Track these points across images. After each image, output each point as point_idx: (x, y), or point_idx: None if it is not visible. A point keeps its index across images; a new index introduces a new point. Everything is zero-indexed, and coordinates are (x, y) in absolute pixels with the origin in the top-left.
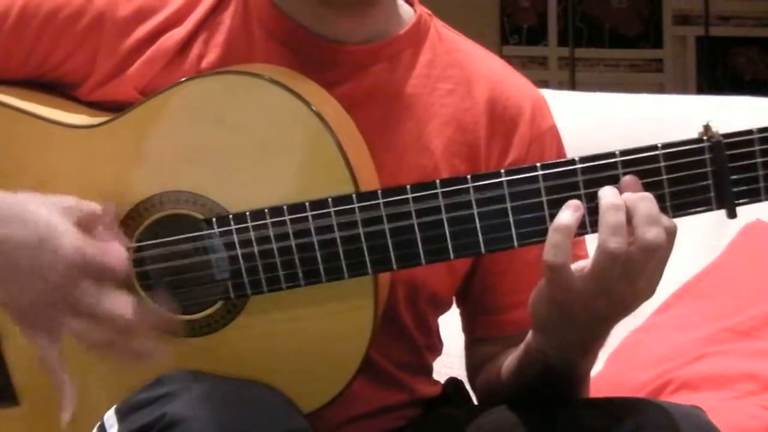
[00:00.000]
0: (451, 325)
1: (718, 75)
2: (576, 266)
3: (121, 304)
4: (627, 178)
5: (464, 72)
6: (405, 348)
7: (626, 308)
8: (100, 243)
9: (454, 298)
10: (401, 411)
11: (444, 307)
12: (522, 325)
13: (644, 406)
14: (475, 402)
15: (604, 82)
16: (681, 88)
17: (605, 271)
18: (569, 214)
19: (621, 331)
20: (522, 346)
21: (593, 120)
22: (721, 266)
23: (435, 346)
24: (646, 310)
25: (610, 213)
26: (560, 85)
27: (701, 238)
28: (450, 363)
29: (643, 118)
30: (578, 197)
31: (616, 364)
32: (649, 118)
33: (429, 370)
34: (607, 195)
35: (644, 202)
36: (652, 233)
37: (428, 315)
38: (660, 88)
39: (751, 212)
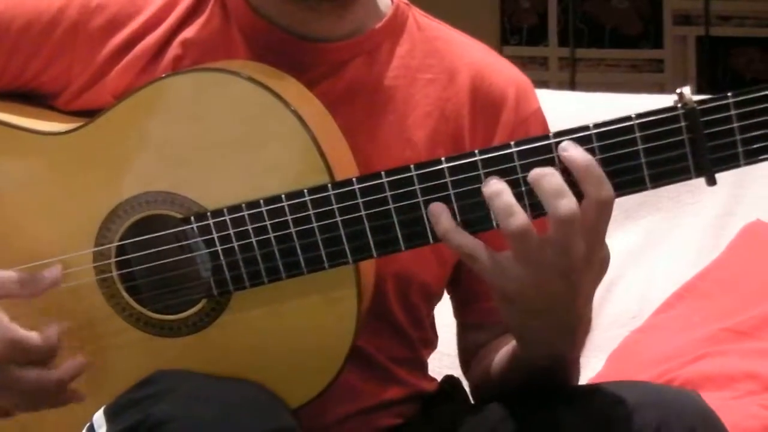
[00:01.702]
0: (447, 325)
1: (718, 75)
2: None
3: (43, 381)
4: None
5: (445, 60)
6: (399, 342)
7: (580, 280)
8: (29, 332)
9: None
10: (398, 407)
11: (435, 299)
12: None
13: (638, 388)
14: (467, 389)
15: (605, 82)
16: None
17: (564, 236)
18: (496, 180)
19: (622, 332)
20: (510, 350)
21: (593, 120)
22: (721, 266)
23: (429, 340)
24: (647, 310)
25: (547, 180)
26: (560, 86)
27: (701, 239)
28: (448, 363)
29: None
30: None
31: (616, 364)
32: None
33: (424, 366)
34: (535, 171)
35: (546, 178)
36: (562, 206)
37: (420, 307)
38: (660, 89)
39: (750, 212)
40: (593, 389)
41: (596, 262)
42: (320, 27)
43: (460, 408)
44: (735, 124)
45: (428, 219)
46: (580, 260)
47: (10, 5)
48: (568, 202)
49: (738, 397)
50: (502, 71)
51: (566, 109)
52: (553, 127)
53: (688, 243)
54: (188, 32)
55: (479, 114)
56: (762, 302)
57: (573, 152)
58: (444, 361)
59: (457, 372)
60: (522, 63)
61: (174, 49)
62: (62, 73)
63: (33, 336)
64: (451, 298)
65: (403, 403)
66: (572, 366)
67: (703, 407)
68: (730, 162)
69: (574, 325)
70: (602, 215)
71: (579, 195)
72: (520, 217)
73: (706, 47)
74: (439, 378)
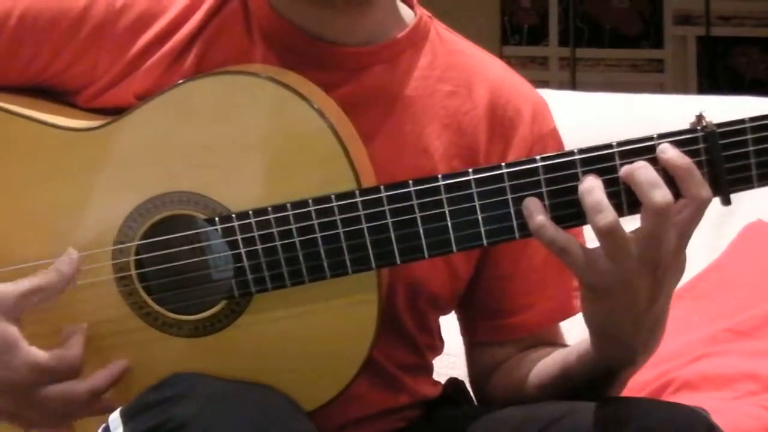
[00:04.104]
0: (451, 324)
1: (718, 75)
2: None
3: (72, 395)
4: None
5: (464, 74)
6: (406, 349)
7: (665, 275)
8: (49, 353)
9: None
10: (403, 413)
11: (445, 310)
12: (532, 327)
13: (648, 407)
14: (476, 403)
15: (605, 82)
16: (681, 88)
17: (657, 228)
18: (592, 177)
19: None
20: (572, 354)
21: (594, 120)
22: (721, 266)
23: (436, 346)
24: None
25: (642, 172)
26: (561, 86)
27: (701, 239)
28: (450, 363)
29: (643, 118)
30: (577, 188)
31: None
32: (649, 118)
33: (430, 370)
34: (628, 166)
35: (641, 170)
36: (658, 197)
37: (428, 316)
38: (660, 89)
39: (751, 212)
40: (601, 404)
41: (682, 260)
42: (338, 28)
43: (464, 412)
44: (750, 148)
45: (452, 228)
46: (669, 254)
47: (36, 0)
48: (663, 194)
49: (738, 398)
50: (519, 90)
51: (566, 109)
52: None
53: (689, 243)
54: (211, 31)
55: (496, 129)
56: (762, 302)
57: (672, 154)
58: (444, 361)
59: (458, 372)
60: (522, 63)
61: (197, 49)
62: (87, 71)
63: (55, 355)
64: (460, 317)
65: (407, 408)
66: (626, 381)
67: (712, 428)
68: (745, 184)
69: (653, 327)
70: (698, 214)
71: (675, 195)
72: (608, 214)
73: (707, 47)
74: (443, 379)
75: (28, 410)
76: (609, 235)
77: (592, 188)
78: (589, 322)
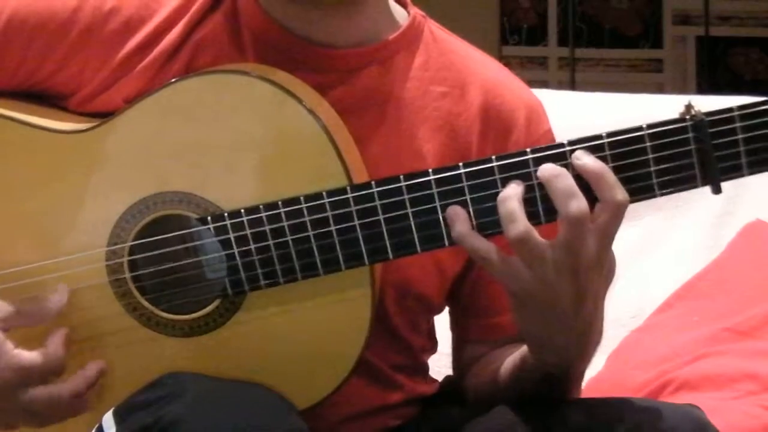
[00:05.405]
0: (447, 325)
1: (717, 75)
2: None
3: (54, 396)
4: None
5: (459, 75)
6: (398, 349)
7: (588, 280)
8: (34, 354)
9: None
10: (398, 410)
11: (435, 310)
12: (508, 329)
13: (641, 406)
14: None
15: (604, 82)
16: (681, 89)
17: (573, 236)
18: (513, 186)
19: (621, 331)
20: (518, 357)
21: (593, 120)
22: (721, 266)
23: (428, 347)
24: (646, 310)
25: (559, 180)
26: (560, 85)
27: (701, 238)
28: (447, 363)
29: (642, 118)
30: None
31: (615, 364)
32: (648, 118)
33: (424, 369)
34: (546, 167)
35: (558, 179)
36: (573, 207)
37: (419, 317)
38: (660, 89)
39: (751, 212)
40: (595, 403)
41: (605, 264)
42: (330, 30)
43: (460, 410)
44: (740, 136)
45: (444, 222)
46: (590, 260)
47: (24, 3)
48: (578, 203)
49: (738, 398)
50: (514, 90)
51: (566, 109)
52: (554, 126)
53: (688, 242)
54: (200, 35)
55: (489, 132)
56: (762, 302)
57: (586, 160)
58: (443, 361)
59: None
60: (521, 63)
61: (187, 52)
62: (75, 75)
63: (39, 357)
64: (450, 312)
65: (403, 406)
66: (578, 380)
67: (706, 426)
68: (735, 172)
69: (585, 331)
70: (616, 218)
71: (592, 200)
72: (520, 224)
73: (706, 47)
74: (438, 377)
75: (11, 413)
76: (521, 244)
77: (507, 197)
78: (520, 328)
